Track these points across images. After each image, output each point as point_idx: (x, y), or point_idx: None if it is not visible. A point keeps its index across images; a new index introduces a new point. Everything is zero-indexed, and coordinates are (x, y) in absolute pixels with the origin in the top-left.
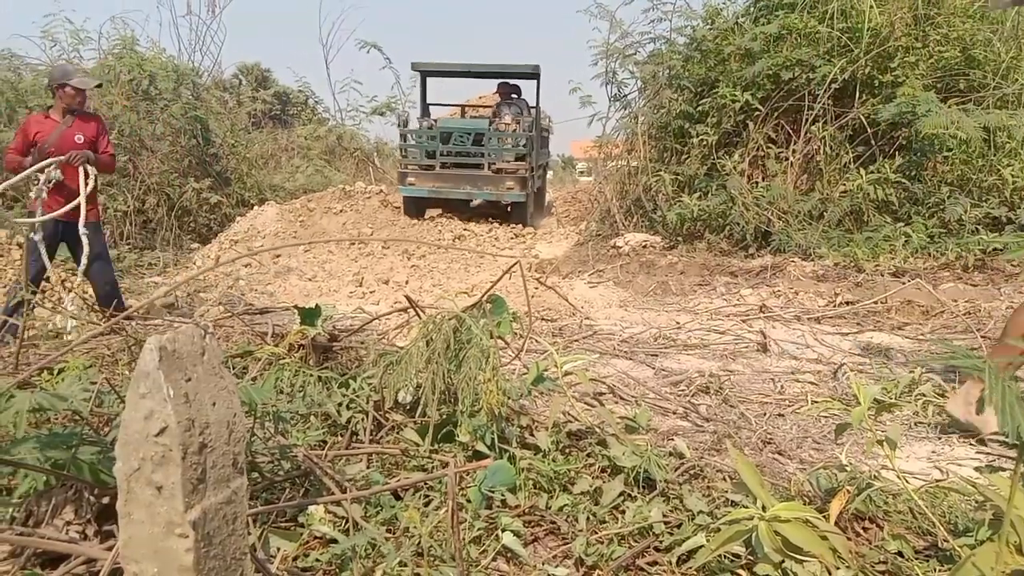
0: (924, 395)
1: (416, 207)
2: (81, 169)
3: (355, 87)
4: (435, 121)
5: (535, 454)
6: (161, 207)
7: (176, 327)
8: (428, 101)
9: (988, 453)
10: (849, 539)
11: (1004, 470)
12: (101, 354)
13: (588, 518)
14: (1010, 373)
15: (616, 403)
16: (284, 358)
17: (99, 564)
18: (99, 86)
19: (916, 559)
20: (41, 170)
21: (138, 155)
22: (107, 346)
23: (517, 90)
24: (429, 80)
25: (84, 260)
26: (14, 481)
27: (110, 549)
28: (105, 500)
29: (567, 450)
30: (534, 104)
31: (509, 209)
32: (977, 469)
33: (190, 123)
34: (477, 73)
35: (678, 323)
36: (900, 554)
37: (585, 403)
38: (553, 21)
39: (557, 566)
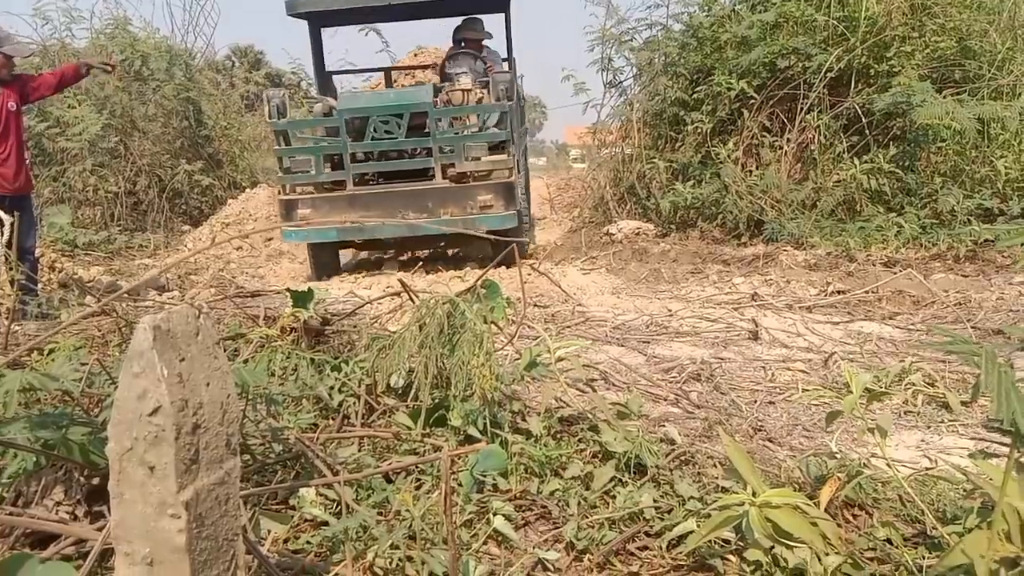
0: (914, 384)
1: (324, 260)
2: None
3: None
4: (332, 103)
5: (527, 439)
6: (152, 189)
7: (167, 308)
8: (330, 68)
9: (983, 439)
10: (839, 526)
11: (996, 456)
12: (91, 335)
13: (579, 503)
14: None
15: (608, 389)
16: (276, 341)
17: (89, 544)
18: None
19: (905, 546)
20: None
21: (129, 136)
22: (97, 327)
23: (480, 33)
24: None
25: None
26: (3, 461)
27: (100, 529)
28: (95, 481)
29: (559, 435)
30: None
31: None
32: (971, 455)
33: (182, 104)
34: (398, 13)
35: (670, 310)
36: (889, 541)
37: (577, 389)
38: (551, 7)
39: (548, 550)
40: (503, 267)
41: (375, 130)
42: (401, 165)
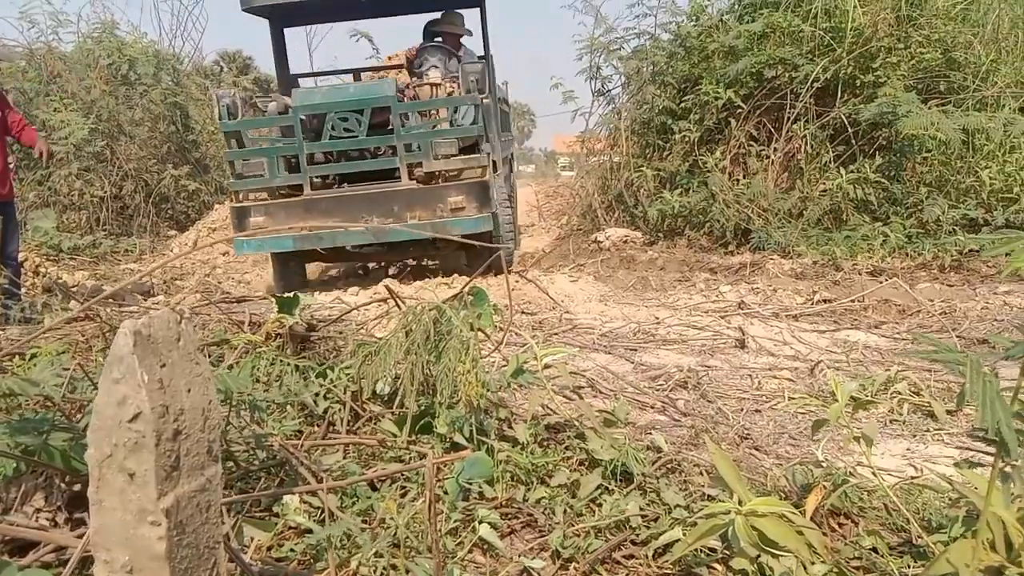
0: (899, 393)
1: (288, 272)
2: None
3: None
4: (288, 101)
5: (513, 446)
6: (138, 193)
7: (149, 313)
8: (296, 71)
9: (968, 448)
10: (825, 534)
11: (981, 465)
12: (74, 340)
13: (565, 511)
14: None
15: (595, 397)
16: (261, 347)
17: (69, 552)
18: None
19: (890, 555)
20: None
21: (116, 140)
22: (81, 332)
23: (459, 28)
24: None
25: None
26: None
27: (81, 537)
28: (76, 487)
29: (545, 443)
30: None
31: (463, 249)
32: (956, 465)
33: (169, 109)
34: (363, 10)
35: (657, 318)
36: (874, 550)
37: (564, 396)
38: (540, 15)
39: (533, 558)
40: (490, 274)
41: (333, 128)
42: (363, 166)
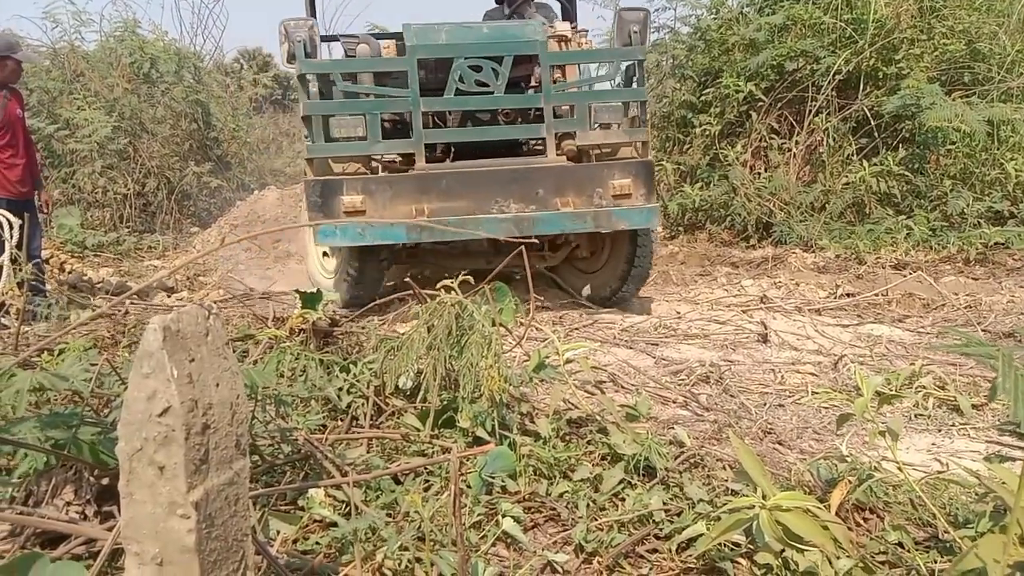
0: (924, 387)
1: (368, 275)
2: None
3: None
4: (379, 44)
5: (535, 441)
6: (161, 190)
7: (177, 309)
8: (338, 32)
9: (994, 442)
10: (850, 529)
11: (1011, 460)
12: (100, 336)
13: (588, 505)
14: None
15: (616, 391)
16: (285, 342)
17: (99, 544)
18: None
19: (916, 550)
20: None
21: (139, 138)
22: (107, 327)
23: None
24: None
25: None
26: (14, 461)
27: (110, 529)
28: (105, 481)
29: (567, 437)
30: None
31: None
32: (986, 459)
33: (191, 107)
34: None
35: (679, 313)
36: (900, 544)
37: (586, 391)
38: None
39: (557, 552)
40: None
41: (462, 80)
42: (501, 133)
